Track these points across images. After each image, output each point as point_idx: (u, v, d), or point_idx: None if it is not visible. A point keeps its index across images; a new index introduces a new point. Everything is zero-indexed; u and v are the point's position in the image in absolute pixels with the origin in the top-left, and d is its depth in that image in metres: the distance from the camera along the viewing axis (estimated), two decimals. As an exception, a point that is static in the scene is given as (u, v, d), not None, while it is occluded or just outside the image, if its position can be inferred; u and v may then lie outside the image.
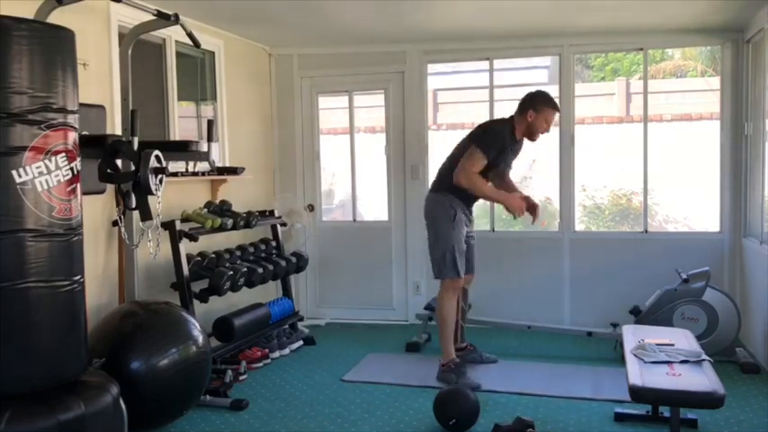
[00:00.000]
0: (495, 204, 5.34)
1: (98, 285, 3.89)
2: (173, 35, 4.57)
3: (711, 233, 5.40)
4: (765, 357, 4.40)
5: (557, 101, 4.34)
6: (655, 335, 3.63)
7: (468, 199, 4.28)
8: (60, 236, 2.47)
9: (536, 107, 4.18)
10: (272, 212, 5.23)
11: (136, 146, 3.27)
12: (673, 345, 3.39)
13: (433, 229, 4.30)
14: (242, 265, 4.54)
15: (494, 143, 4.14)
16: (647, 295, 4.74)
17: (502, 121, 4.32)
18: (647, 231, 5.52)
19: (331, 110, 6.51)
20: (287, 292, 5.27)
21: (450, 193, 4.20)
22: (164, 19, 3.61)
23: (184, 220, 4.34)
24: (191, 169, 4.57)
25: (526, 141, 4.34)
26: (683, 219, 7.04)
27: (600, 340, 4.91)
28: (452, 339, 4.28)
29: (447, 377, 4.15)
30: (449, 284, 4.23)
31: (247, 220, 4.71)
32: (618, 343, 4.53)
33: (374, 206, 6.33)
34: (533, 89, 4.35)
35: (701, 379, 2.98)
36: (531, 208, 4.19)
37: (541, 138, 4.32)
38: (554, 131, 5.62)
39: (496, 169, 4.25)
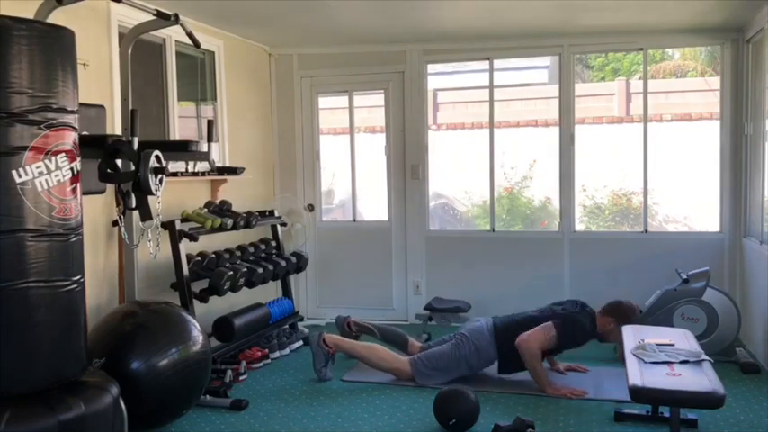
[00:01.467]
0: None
1: (98, 285, 3.89)
2: (173, 35, 4.57)
3: (711, 233, 5.40)
4: (765, 357, 4.40)
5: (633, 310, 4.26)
6: (655, 335, 3.63)
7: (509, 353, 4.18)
8: (60, 236, 2.47)
9: (620, 319, 4.13)
10: (272, 212, 5.23)
11: (136, 146, 3.26)
12: (673, 345, 3.40)
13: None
14: (242, 265, 4.54)
15: (573, 341, 4.15)
16: (647, 295, 4.74)
17: (587, 314, 4.24)
18: (647, 231, 5.52)
19: (331, 110, 6.51)
20: (287, 292, 5.27)
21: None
22: (164, 19, 3.61)
23: (184, 220, 4.34)
24: (191, 169, 4.56)
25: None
26: (683, 219, 7.03)
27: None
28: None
29: (318, 352, 4.29)
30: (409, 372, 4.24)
31: (247, 220, 4.71)
32: (618, 343, 4.52)
33: (374, 206, 6.33)
34: (623, 304, 4.28)
35: (701, 379, 2.98)
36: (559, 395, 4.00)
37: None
38: (554, 131, 5.64)
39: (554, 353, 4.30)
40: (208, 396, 3.83)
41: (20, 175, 2.34)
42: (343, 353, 4.41)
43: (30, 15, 2.78)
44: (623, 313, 4.19)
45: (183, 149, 3.84)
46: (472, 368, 4.19)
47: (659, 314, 4.53)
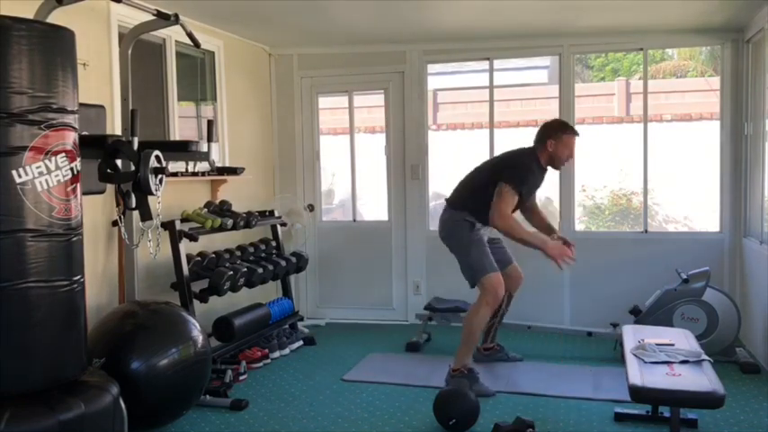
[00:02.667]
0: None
1: (98, 285, 3.89)
2: (173, 35, 4.57)
3: (711, 233, 5.40)
4: (765, 357, 4.40)
5: (575, 127, 4.22)
6: (655, 335, 3.63)
7: (484, 221, 4.13)
8: (60, 236, 2.47)
9: (554, 135, 4.09)
10: (272, 212, 5.23)
11: (136, 146, 3.26)
12: (673, 345, 3.39)
13: (454, 243, 4.17)
14: (242, 265, 4.54)
15: (525, 180, 4.05)
16: (647, 295, 4.74)
17: (527, 153, 4.16)
18: (647, 231, 5.52)
19: (331, 110, 6.52)
20: (287, 292, 5.27)
21: (465, 211, 4.12)
22: (164, 19, 3.61)
23: (184, 220, 4.34)
24: (191, 169, 4.57)
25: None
26: (683, 219, 7.04)
27: (600, 340, 4.91)
28: (472, 350, 4.16)
29: (459, 383, 3.95)
30: (487, 288, 4.01)
31: (247, 220, 4.71)
32: (618, 343, 4.53)
33: (374, 206, 6.33)
34: (549, 119, 4.28)
35: (701, 379, 2.98)
36: (560, 256, 3.99)
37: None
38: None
39: (523, 202, 4.15)
40: (208, 396, 3.83)
41: (20, 175, 2.34)
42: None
43: (30, 15, 2.78)
44: (553, 127, 4.14)
45: (183, 149, 3.84)
46: (480, 232, 4.12)
47: (659, 314, 4.53)
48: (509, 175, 4.00)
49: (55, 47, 2.47)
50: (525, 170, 4.09)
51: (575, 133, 4.16)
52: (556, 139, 4.09)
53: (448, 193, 4.38)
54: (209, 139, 3.73)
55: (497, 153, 5.63)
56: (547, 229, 4.32)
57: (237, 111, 5.41)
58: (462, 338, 4.12)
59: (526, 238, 3.99)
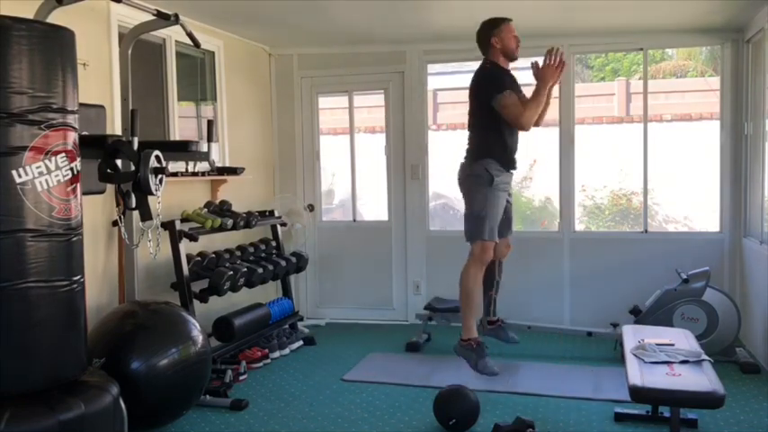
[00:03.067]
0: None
1: (98, 285, 3.89)
2: (173, 35, 4.57)
3: (711, 233, 5.40)
4: (765, 357, 4.40)
5: (499, 16, 4.24)
6: (655, 335, 3.63)
7: (509, 156, 4.19)
8: (60, 236, 2.47)
9: (493, 32, 4.17)
10: (272, 212, 5.23)
11: (136, 146, 3.26)
12: (673, 345, 3.39)
13: (467, 195, 4.19)
14: (242, 265, 4.55)
15: (502, 80, 4.10)
16: (647, 295, 4.74)
17: (484, 65, 4.23)
18: (647, 231, 5.52)
19: (331, 110, 6.51)
20: (287, 292, 5.27)
21: (488, 157, 4.11)
22: (164, 19, 3.61)
23: (184, 220, 4.34)
24: (191, 169, 4.57)
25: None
26: (683, 219, 7.04)
27: (600, 340, 4.91)
28: (475, 314, 4.19)
29: (466, 353, 4.07)
30: (478, 252, 4.09)
31: (247, 220, 4.71)
32: (618, 343, 4.53)
33: (374, 206, 6.33)
34: (480, 25, 4.29)
35: (701, 379, 2.98)
36: (554, 64, 4.10)
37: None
38: (554, 131, 5.63)
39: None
40: (208, 396, 3.83)
41: (20, 176, 2.34)
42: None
43: (30, 15, 2.78)
44: (487, 27, 4.20)
45: (183, 149, 3.84)
46: (498, 190, 4.14)
47: (659, 314, 4.53)
48: (492, 88, 4.07)
49: (55, 47, 2.47)
50: (497, 74, 4.14)
51: (507, 19, 4.22)
52: (496, 34, 4.17)
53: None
54: (209, 139, 3.74)
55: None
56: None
57: (237, 111, 5.41)
58: (461, 303, 4.19)
59: (540, 100, 4.09)
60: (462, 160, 4.28)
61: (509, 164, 4.21)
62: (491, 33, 4.18)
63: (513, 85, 4.17)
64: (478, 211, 4.10)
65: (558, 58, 4.10)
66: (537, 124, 4.27)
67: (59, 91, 2.46)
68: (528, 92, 4.19)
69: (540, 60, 4.14)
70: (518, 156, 4.29)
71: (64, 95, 2.48)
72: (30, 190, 2.37)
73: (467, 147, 4.28)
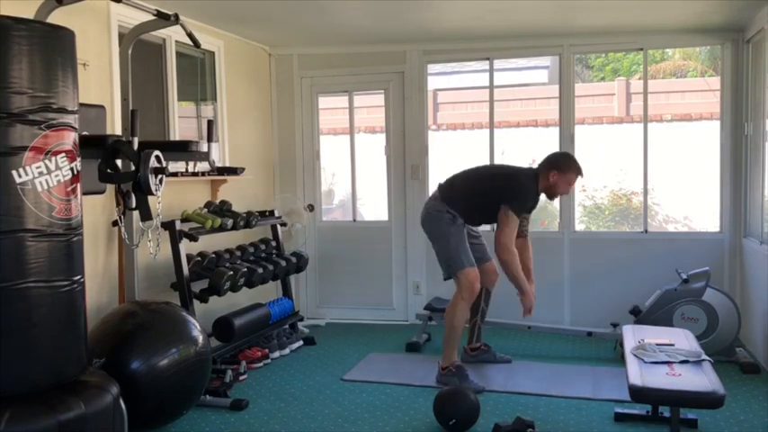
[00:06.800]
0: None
1: (98, 285, 3.89)
2: (173, 35, 4.57)
3: (711, 233, 5.40)
4: (765, 357, 4.40)
5: (582, 167, 4.21)
6: (655, 335, 3.63)
7: (472, 221, 4.27)
8: (60, 236, 2.47)
9: (561, 169, 4.13)
10: (272, 212, 5.23)
11: (136, 146, 3.27)
12: (673, 345, 3.40)
13: (433, 232, 4.26)
14: (242, 265, 4.54)
15: (526, 204, 4.15)
16: (647, 295, 4.74)
17: (531, 176, 4.20)
18: (647, 231, 5.52)
19: (331, 110, 6.51)
20: (287, 292, 5.27)
21: (460, 214, 4.16)
22: (164, 19, 3.61)
23: (184, 220, 4.34)
24: (191, 169, 4.56)
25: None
26: (683, 219, 7.05)
27: (600, 340, 4.91)
28: (456, 345, 4.22)
29: (448, 380, 4.08)
30: (465, 284, 4.11)
31: (247, 220, 4.71)
32: (618, 343, 4.53)
33: (374, 206, 6.33)
34: (559, 152, 4.36)
35: (701, 379, 2.98)
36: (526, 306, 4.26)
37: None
38: (554, 131, 5.64)
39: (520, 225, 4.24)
40: (208, 396, 3.83)
41: (20, 176, 2.34)
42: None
43: (30, 15, 2.79)
44: (563, 161, 4.20)
45: (183, 149, 3.85)
46: (460, 225, 4.19)
47: (659, 314, 4.53)
48: (512, 199, 4.08)
49: (55, 47, 2.47)
50: (528, 195, 4.16)
51: (580, 173, 4.18)
52: (561, 172, 4.13)
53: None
54: (210, 139, 3.75)
55: (497, 154, 5.69)
56: (527, 271, 4.35)
57: (237, 111, 5.41)
58: (445, 336, 4.24)
59: (518, 278, 4.15)
60: (429, 200, 4.36)
61: (471, 224, 4.31)
62: (559, 168, 4.15)
63: (528, 212, 4.26)
64: (447, 243, 4.15)
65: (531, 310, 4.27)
66: (500, 259, 4.22)
67: (59, 91, 2.46)
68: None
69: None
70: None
71: (64, 95, 2.48)
72: (30, 190, 2.37)
73: (442, 185, 4.32)
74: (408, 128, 5.81)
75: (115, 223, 3.90)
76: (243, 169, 4.88)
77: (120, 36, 3.99)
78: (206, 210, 4.57)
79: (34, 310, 2.41)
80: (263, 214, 5.09)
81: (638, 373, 3.03)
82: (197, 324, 3.59)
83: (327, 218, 6.34)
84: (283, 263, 4.95)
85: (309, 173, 6.04)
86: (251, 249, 4.87)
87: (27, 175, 2.36)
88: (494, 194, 4.12)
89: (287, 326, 5.13)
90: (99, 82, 3.90)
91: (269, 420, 3.68)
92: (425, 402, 3.78)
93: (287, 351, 4.93)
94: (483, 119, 6.03)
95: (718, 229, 5.35)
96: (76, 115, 2.58)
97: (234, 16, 4.76)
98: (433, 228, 4.25)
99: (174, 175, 4.35)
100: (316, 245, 5.94)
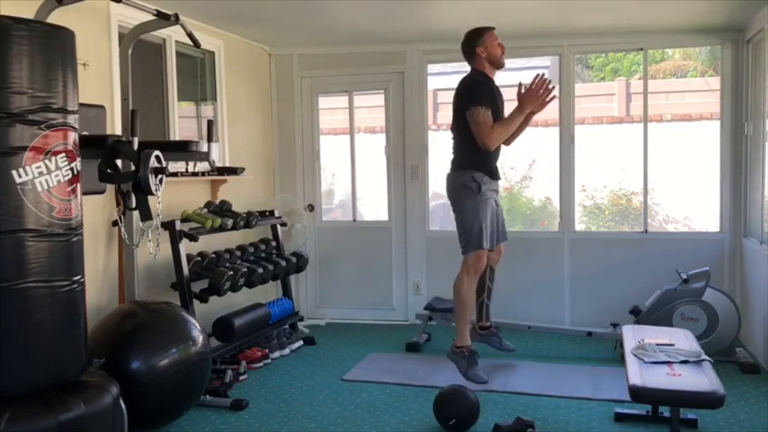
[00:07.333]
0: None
1: (98, 285, 3.89)
2: (173, 35, 4.57)
3: (711, 233, 5.40)
4: (765, 357, 4.40)
5: (482, 25, 4.27)
6: (655, 335, 3.63)
7: (492, 165, 4.23)
8: (60, 236, 2.47)
9: (478, 42, 4.20)
10: (272, 212, 5.23)
11: (136, 146, 3.27)
12: (673, 345, 3.40)
13: (457, 207, 4.24)
14: (242, 265, 4.54)
15: (483, 92, 4.12)
16: (647, 295, 4.74)
17: (469, 74, 4.26)
18: (647, 231, 5.52)
19: (331, 110, 6.51)
20: (287, 292, 5.27)
21: (472, 168, 4.15)
22: (164, 19, 3.62)
23: (184, 220, 4.34)
24: (191, 169, 4.57)
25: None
26: (683, 219, 7.04)
27: (600, 340, 4.91)
28: (468, 321, 4.22)
29: (458, 360, 4.13)
30: (472, 262, 4.13)
31: (247, 220, 4.71)
32: (618, 343, 4.53)
33: (374, 206, 6.33)
34: (464, 36, 4.30)
35: (701, 379, 2.98)
36: (538, 92, 4.12)
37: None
38: (554, 131, 5.64)
39: (499, 117, 4.19)
40: (208, 396, 3.83)
41: (20, 176, 2.34)
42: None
43: (30, 15, 2.79)
44: (472, 37, 4.23)
45: (183, 149, 3.85)
46: (486, 198, 4.16)
47: (659, 314, 4.53)
48: (468, 98, 4.10)
49: (55, 47, 2.47)
50: (477, 85, 4.15)
51: (490, 28, 4.25)
52: (481, 44, 4.19)
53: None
54: (210, 139, 3.74)
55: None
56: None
57: (237, 111, 5.41)
58: (455, 312, 4.25)
59: (512, 125, 4.14)
60: (448, 170, 4.33)
61: (493, 174, 4.25)
62: (476, 43, 4.21)
63: (492, 97, 4.17)
64: (472, 222, 4.14)
65: (545, 87, 4.11)
66: (507, 143, 4.34)
67: (59, 91, 2.46)
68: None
69: (541, 80, 4.13)
70: (500, 165, 4.34)
71: (64, 95, 2.48)
72: (30, 190, 2.37)
73: (452, 157, 4.32)
74: (408, 128, 5.81)
75: (115, 223, 3.90)
76: (243, 169, 4.88)
77: (120, 36, 3.99)
78: (206, 210, 4.57)
79: (34, 310, 2.41)
80: (263, 214, 5.09)
81: (638, 373, 3.03)
82: (197, 324, 3.59)
83: (327, 218, 6.33)
84: (283, 263, 4.95)
85: (309, 173, 6.04)
86: (251, 249, 4.87)
87: (27, 175, 2.36)
88: (462, 116, 4.13)
89: (287, 326, 5.13)
90: (99, 82, 3.90)
91: (269, 420, 3.68)
92: (425, 402, 3.78)
93: (287, 351, 4.93)
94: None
95: (718, 229, 5.35)
96: (76, 115, 2.58)
97: (234, 16, 4.76)
98: (456, 201, 4.24)
99: (174, 175, 4.35)
100: (316, 245, 5.94)
